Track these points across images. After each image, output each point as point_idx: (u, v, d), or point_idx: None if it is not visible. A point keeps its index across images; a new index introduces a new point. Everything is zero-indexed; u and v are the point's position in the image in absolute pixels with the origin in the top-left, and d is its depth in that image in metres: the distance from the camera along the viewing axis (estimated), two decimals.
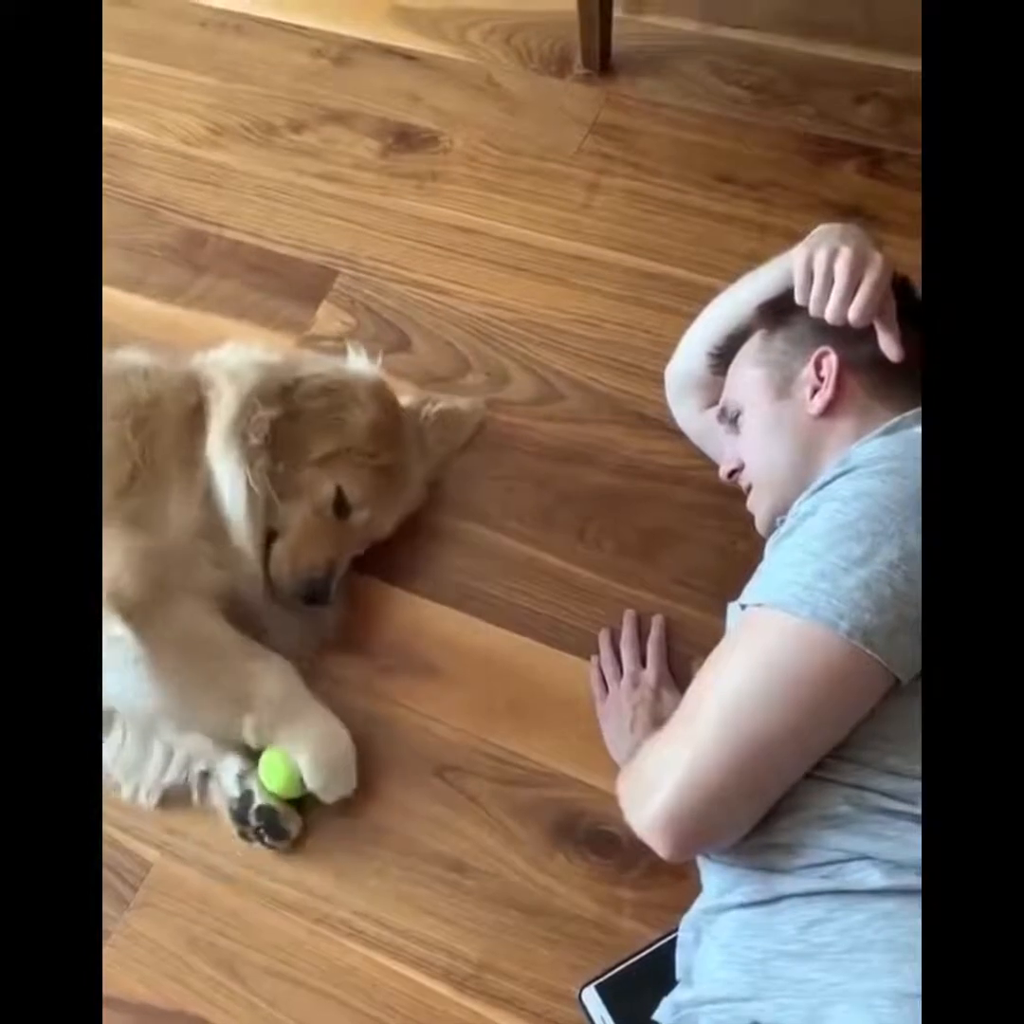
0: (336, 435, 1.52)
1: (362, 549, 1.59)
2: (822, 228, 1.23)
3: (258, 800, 1.41)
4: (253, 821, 1.42)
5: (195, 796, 1.47)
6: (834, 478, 1.09)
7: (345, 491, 1.52)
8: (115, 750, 1.47)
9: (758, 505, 1.32)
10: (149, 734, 1.47)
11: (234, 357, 1.57)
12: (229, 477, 1.46)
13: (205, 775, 1.47)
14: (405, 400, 1.69)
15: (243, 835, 1.43)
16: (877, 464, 1.06)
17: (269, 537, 1.51)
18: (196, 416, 1.50)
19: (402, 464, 1.59)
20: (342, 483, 1.52)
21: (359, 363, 1.64)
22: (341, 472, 1.52)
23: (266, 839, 1.42)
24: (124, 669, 1.37)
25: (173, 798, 1.48)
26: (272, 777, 1.43)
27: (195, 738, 1.45)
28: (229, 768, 1.44)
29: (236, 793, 1.43)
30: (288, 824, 1.42)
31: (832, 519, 1.04)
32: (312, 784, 1.41)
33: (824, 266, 1.16)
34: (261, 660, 1.45)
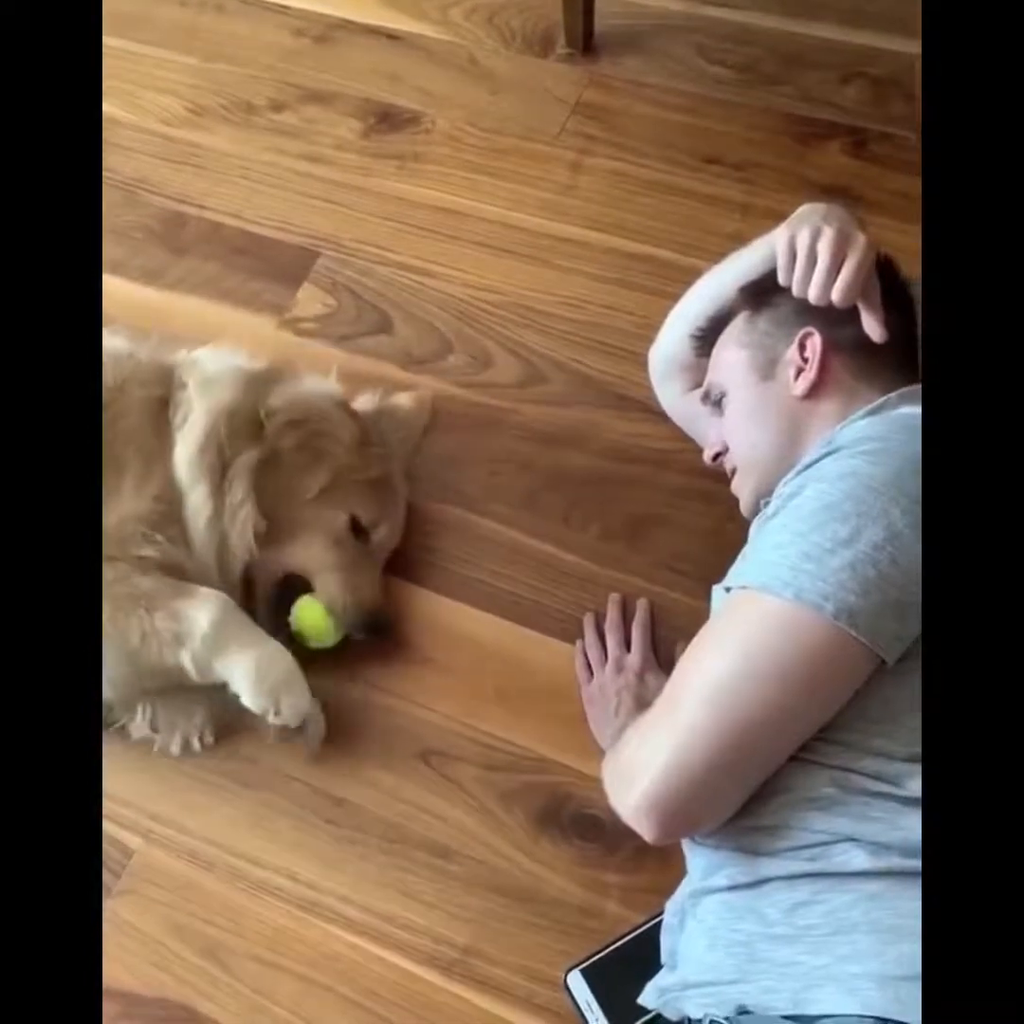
0: (324, 467, 1.50)
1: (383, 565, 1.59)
2: (805, 208, 1.22)
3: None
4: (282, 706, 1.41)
5: (232, 713, 1.45)
6: (819, 459, 1.09)
7: (356, 516, 1.52)
8: (148, 723, 1.46)
9: (742, 488, 1.31)
10: (175, 692, 1.46)
11: (213, 362, 1.54)
12: (195, 508, 1.46)
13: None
14: (358, 405, 1.66)
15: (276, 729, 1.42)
16: (862, 444, 1.06)
17: (284, 577, 1.51)
18: (160, 411, 1.49)
19: (391, 470, 1.59)
20: (352, 509, 1.51)
21: (315, 382, 1.61)
22: (344, 498, 1.51)
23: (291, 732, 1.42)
24: None
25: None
26: (304, 621, 1.47)
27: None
28: None
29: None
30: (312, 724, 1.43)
31: (817, 499, 1.03)
32: (255, 706, 1.40)
33: (807, 246, 1.15)
34: (188, 597, 1.42)
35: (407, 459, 1.67)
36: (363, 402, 1.67)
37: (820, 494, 1.04)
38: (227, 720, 1.47)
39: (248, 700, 1.40)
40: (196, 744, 1.47)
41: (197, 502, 1.46)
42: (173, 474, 1.46)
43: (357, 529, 1.52)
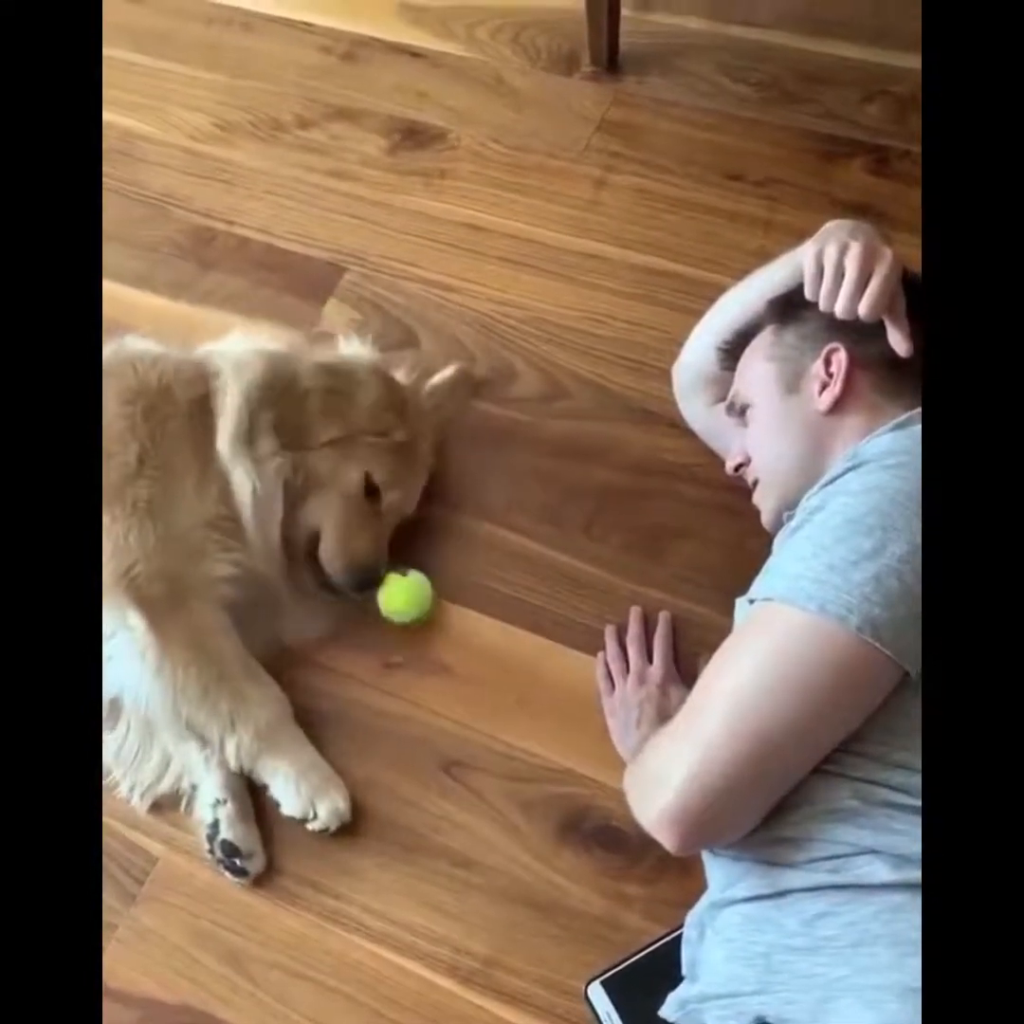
0: (342, 418, 1.53)
1: (392, 529, 1.60)
2: (831, 224, 1.23)
3: (222, 833, 1.41)
4: (217, 851, 1.41)
5: (183, 807, 1.47)
6: (843, 473, 1.09)
7: (372, 474, 1.53)
8: (118, 744, 1.47)
9: (764, 500, 1.32)
10: (151, 735, 1.47)
11: (240, 347, 1.58)
12: (240, 483, 1.48)
13: (196, 789, 1.46)
14: (399, 376, 1.69)
15: (210, 859, 1.43)
16: (886, 458, 1.07)
17: (309, 535, 1.53)
18: (206, 406, 1.51)
19: (415, 438, 1.60)
20: (368, 468, 1.53)
21: (354, 347, 1.66)
22: (363, 456, 1.53)
23: (225, 873, 1.42)
24: (132, 659, 1.39)
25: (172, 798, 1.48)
26: (391, 599, 1.52)
27: (189, 749, 1.45)
28: (208, 791, 1.44)
29: (208, 818, 1.43)
30: (248, 864, 1.41)
31: (841, 513, 1.04)
32: (294, 812, 1.41)
33: (834, 261, 1.16)
34: (258, 686, 1.45)
35: (442, 427, 1.69)
36: (401, 375, 1.69)
37: (844, 508, 1.04)
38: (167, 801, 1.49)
39: (288, 807, 1.42)
40: (137, 799, 1.47)
41: (239, 477, 1.48)
42: (223, 467, 1.48)
43: (370, 488, 1.54)
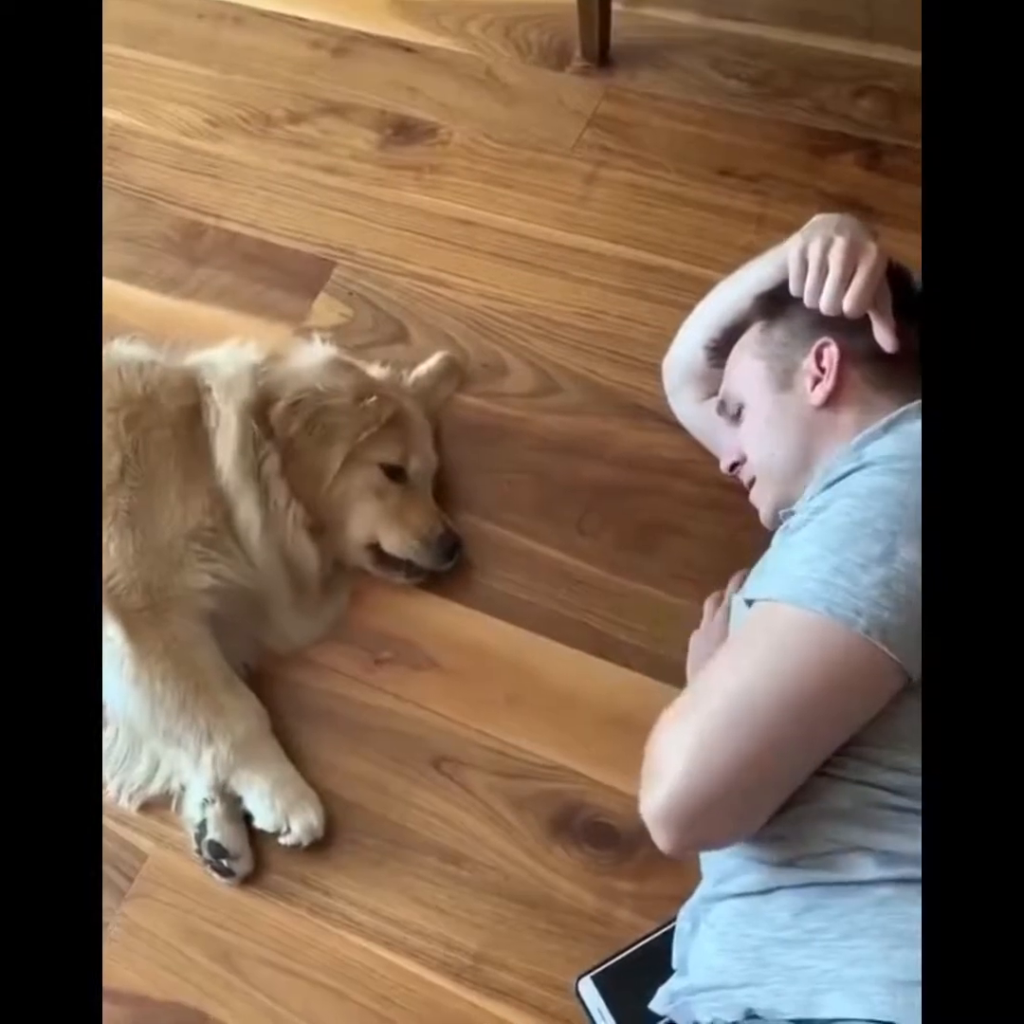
0: (337, 439, 1.53)
1: (431, 488, 1.64)
2: (817, 219, 1.23)
3: (210, 834, 1.41)
4: (205, 852, 1.41)
5: (173, 806, 1.47)
6: (848, 473, 1.07)
7: (385, 461, 1.55)
8: (107, 746, 1.47)
9: (762, 498, 1.31)
10: (140, 739, 1.46)
11: (229, 362, 1.57)
12: (246, 519, 1.50)
13: (185, 789, 1.46)
14: (377, 373, 1.69)
15: (198, 859, 1.43)
16: (894, 462, 1.05)
17: (368, 545, 1.57)
18: (195, 420, 1.51)
19: (400, 405, 1.60)
20: (378, 459, 1.55)
21: (303, 354, 1.64)
22: (368, 453, 1.54)
23: (212, 874, 1.42)
24: (109, 669, 1.39)
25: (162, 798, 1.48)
26: None
27: (178, 750, 1.44)
28: (196, 791, 1.44)
29: (196, 818, 1.43)
30: (234, 865, 1.41)
31: (849, 515, 1.02)
32: (267, 825, 1.41)
33: (818, 256, 1.16)
34: (236, 698, 1.45)
35: (432, 413, 1.71)
36: (375, 369, 1.69)
37: (851, 509, 1.02)
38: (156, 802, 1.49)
39: (261, 820, 1.42)
40: (125, 800, 1.47)
41: (247, 513, 1.49)
42: (218, 484, 1.48)
43: (392, 473, 1.56)
